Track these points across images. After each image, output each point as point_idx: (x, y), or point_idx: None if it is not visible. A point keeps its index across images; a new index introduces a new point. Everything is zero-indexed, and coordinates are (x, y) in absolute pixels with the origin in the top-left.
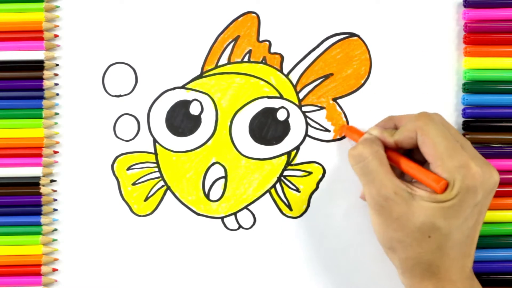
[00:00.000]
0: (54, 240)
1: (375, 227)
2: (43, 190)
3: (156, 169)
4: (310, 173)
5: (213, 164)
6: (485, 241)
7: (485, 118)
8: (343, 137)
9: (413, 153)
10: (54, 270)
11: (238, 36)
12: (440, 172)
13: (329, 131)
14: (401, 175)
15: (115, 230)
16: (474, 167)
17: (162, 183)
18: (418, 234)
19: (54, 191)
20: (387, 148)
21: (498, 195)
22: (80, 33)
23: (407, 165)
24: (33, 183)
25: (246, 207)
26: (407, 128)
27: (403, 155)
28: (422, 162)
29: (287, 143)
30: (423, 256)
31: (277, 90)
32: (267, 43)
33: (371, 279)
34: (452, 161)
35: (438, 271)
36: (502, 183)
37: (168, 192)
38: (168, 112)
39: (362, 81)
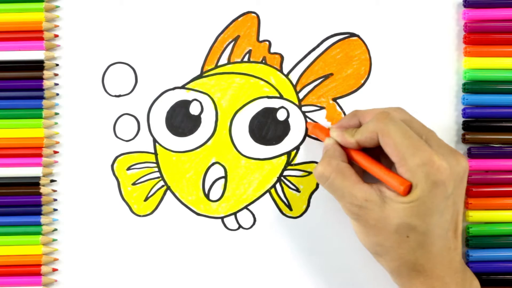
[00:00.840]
0: (54, 240)
1: (357, 235)
2: (43, 190)
3: (156, 169)
4: (310, 173)
5: (213, 164)
6: (485, 241)
7: (485, 118)
8: None
9: (383, 150)
10: (54, 270)
11: (238, 36)
12: (404, 172)
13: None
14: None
15: (115, 230)
16: (438, 161)
17: (162, 183)
18: (396, 236)
19: (54, 191)
20: (350, 148)
21: (498, 195)
22: (80, 33)
23: (371, 167)
24: (33, 183)
25: (246, 207)
26: (368, 129)
27: (366, 154)
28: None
29: (287, 143)
30: (406, 257)
31: (277, 90)
32: (267, 43)
33: (371, 279)
34: (414, 160)
35: (424, 269)
36: (502, 183)
37: (168, 192)
38: (168, 112)
39: (362, 81)
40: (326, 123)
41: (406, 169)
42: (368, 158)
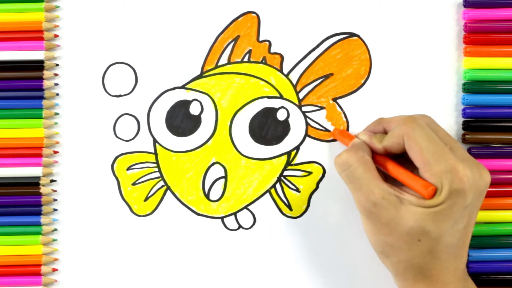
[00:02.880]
0: (54, 240)
1: (367, 232)
2: (43, 190)
3: (156, 169)
4: (310, 173)
5: (213, 164)
6: (485, 241)
7: (485, 118)
8: None
9: (406, 157)
10: (54, 270)
11: (238, 36)
12: (428, 177)
13: (329, 131)
14: (392, 179)
15: (115, 230)
16: (462, 170)
17: (162, 183)
18: (407, 238)
19: (54, 191)
20: (376, 153)
21: (498, 195)
22: (80, 33)
23: (395, 171)
24: (33, 183)
25: (246, 207)
26: (394, 134)
27: (391, 159)
28: (415, 166)
29: (287, 143)
30: (414, 260)
31: (277, 90)
32: (267, 43)
33: (371, 279)
34: (439, 166)
35: (430, 274)
36: (502, 183)
37: (168, 192)
38: (168, 112)
39: (362, 81)
40: (326, 123)
41: (431, 174)
42: (393, 162)
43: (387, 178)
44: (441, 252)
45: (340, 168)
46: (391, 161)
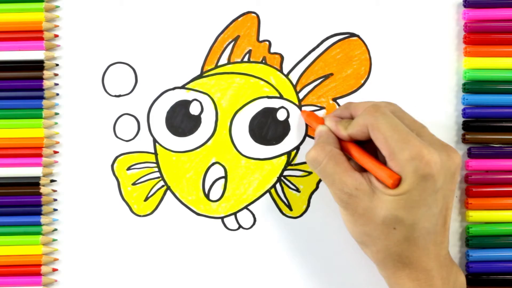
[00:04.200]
0: (54, 240)
1: (345, 223)
2: (43, 190)
3: (156, 169)
4: (310, 173)
5: (213, 164)
6: (485, 241)
7: (485, 118)
8: None
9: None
10: (54, 270)
11: (238, 36)
12: (393, 166)
13: None
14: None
15: (115, 230)
16: (427, 154)
17: (162, 183)
18: (383, 227)
19: (54, 191)
20: (342, 140)
21: (498, 195)
22: (80, 33)
23: (361, 159)
24: (33, 183)
25: (246, 207)
26: (359, 122)
27: (358, 146)
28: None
29: (287, 143)
30: (392, 248)
31: (277, 90)
32: (267, 43)
33: (371, 279)
34: (403, 154)
35: (409, 262)
36: (502, 183)
37: (168, 192)
38: (168, 112)
39: (362, 81)
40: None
41: (396, 163)
42: (359, 150)
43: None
44: (418, 239)
45: (311, 165)
46: (357, 149)
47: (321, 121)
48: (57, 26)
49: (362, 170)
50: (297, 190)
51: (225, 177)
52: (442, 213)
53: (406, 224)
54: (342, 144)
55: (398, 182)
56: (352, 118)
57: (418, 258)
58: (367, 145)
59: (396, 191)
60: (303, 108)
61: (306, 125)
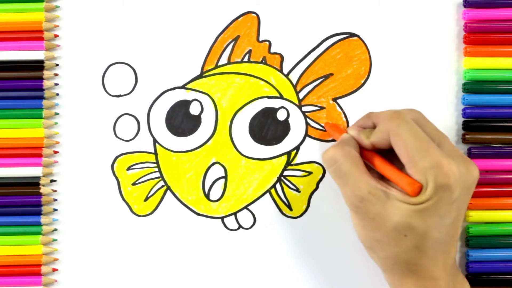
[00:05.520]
0: (54, 240)
1: (355, 227)
2: (43, 190)
3: (156, 169)
4: (310, 173)
5: (213, 164)
6: (485, 241)
7: (485, 118)
8: None
9: (395, 152)
10: (54, 270)
11: (238, 36)
12: (413, 174)
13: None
14: (382, 175)
15: (115, 230)
16: (447, 165)
17: (162, 183)
18: (394, 233)
19: (54, 191)
20: (364, 149)
21: (498, 195)
22: (80, 33)
23: (382, 167)
24: (33, 183)
25: (246, 207)
26: (381, 130)
27: (379, 155)
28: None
29: (287, 143)
30: (401, 255)
31: (277, 90)
32: (267, 43)
33: (371, 279)
34: (423, 162)
35: (418, 270)
36: (502, 183)
37: (168, 192)
38: (168, 112)
39: (362, 81)
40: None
41: (415, 171)
42: (380, 158)
43: (377, 174)
44: (428, 248)
45: (327, 163)
46: (378, 157)
47: (344, 131)
48: (57, 26)
49: (377, 177)
50: (297, 190)
51: (225, 177)
52: (454, 224)
53: (418, 233)
54: (363, 153)
55: (419, 190)
56: (374, 127)
57: (427, 267)
58: (386, 156)
59: (415, 199)
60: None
61: (306, 125)
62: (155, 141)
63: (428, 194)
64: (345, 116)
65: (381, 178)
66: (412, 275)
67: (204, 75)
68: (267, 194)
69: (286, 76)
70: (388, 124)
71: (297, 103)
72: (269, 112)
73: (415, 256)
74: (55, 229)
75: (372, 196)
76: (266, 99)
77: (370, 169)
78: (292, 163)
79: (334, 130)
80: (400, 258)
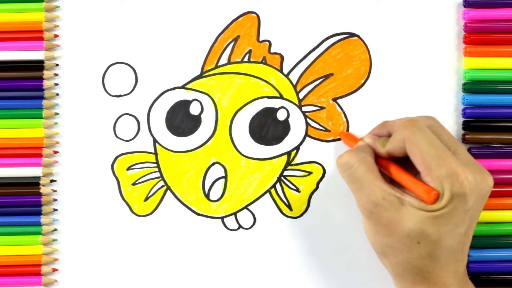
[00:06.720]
0: (54, 240)
1: (367, 232)
2: (43, 190)
3: (156, 169)
4: (310, 173)
5: (213, 164)
6: (485, 241)
7: (485, 118)
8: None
9: (410, 160)
10: (54, 270)
11: (238, 36)
12: (429, 181)
13: (329, 131)
14: (397, 182)
15: (115, 230)
16: (463, 174)
17: (162, 183)
18: (407, 240)
19: (54, 191)
20: (380, 157)
21: (498, 195)
22: (80, 33)
23: (398, 175)
24: (33, 183)
25: (246, 207)
26: (396, 138)
27: (395, 163)
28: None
29: (287, 143)
30: (413, 262)
31: (277, 90)
32: (267, 43)
33: (371, 279)
34: (440, 170)
35: (429, 277)
36: (502, 183)
37: (168, 192)
38: (168, 112)
39: (362, 81)
40: (326, 123)
41: (431, 178)
42: (396, 166)
43: (393, 182)
44: (440, 255)
45: (341, 168)
46: (394, 165)
47: (359, 140)
48: (57, 26)
49: (391, 184)
50: (297, 190)
51: (225, 177)
52: (467, 233)
53: (431, 240)
54: (379, 161)
55: (436, 198)
56: (390, 135)
57: (438, 274)
58: (402, 163)
59: (432, 207)
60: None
61: (306, 125)
62: (155, 141)
63: (445, 202)
64: (345, 116)
65: (395, 185)
66: (423, 282)
67: (204, 75)
68: (267, 194)
69: (286, 76)
70: (403, 132)
71: (297, 103)
72: (269, 112)
73: (427, 263)
74: (55, 229)
75: (386, 202)
76: (266, 99)
77: (384, 176)
78: (292, 163)
79: (350, 139)
80: (411, 265)
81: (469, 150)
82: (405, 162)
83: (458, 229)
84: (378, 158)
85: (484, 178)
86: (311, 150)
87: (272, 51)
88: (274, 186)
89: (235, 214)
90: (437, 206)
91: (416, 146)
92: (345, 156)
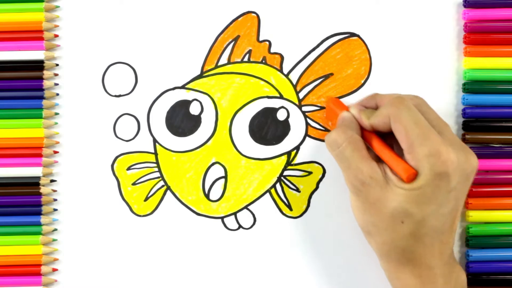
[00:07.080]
0: (54, 240)
1: (354, 211)
2: (43, 190)
3: (156, 169)
4: (310, 173)
5: (213, 164)
6: (485, 241)
7: (485, 118)
8: None
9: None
10: (54, 270)
11: (238, 36)
12: (410, 160)
13: (329, 131)
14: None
15: (115, 230)
16: (445, 153)
17: (162, 183)
18: (391, 219)
19: (54, 191)
20: (364, 129)
21: (498, 195)
22: (80, 33)
23: (380, 150)
24: (33, 183)
25: (246, 207)
26: (382, 113)
27: (378, 137)
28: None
29: (287, 143)
30: (397, 242)
31: (277, 90)
32: (267, 43)
33: (371, 279)
34: (422, 149)
35: (413, 257)
36: (502, 183)
37: (168, 192)
38: (168, 112)
39: (362, 81)
40: (326, 123)
41: (413, 157)
42: (379, 140)
43: (377, 157)
44: (425, 236)
45: (330, 147)
46: (377, 139)
47: (346, 108)
48: (57, 26)
49: (379, 160)
50: (297, 190)
51: (225, 177)
52: (452, 214)
53: (415, 220)
54: (363, 133)
55: (413, 177)
56: (376, 108)
57: (423, 255)
58: (387, 138)
59: (410, 186)
60: (305, 107)
61: (306, 125)
62: (155, 141)
63: (422, 181)
64: None
65: (382, 163)
66: (408, 263)
67: (204, 75)
68: (267, 194)
69: (286, 76)
70: (389, 108)
71: (297, 103)
72: (269, 112)
73: (411, 243)
74: (55, 229)
75: (373, 180)
76: (266, 99)
77: (371, 152)
78: (292, 163)
79: (335, 106)
80: (396, 245)
81: None
82: (390, 138)
83: (442, 209)
84: (363, 130)
85: (468, 158)
86: (311, 150)
87: (272, 51)
88: (274, 186)
89: (235, 214)
90: (414, 185)
91: (401, 123)
92: (333, 134)
